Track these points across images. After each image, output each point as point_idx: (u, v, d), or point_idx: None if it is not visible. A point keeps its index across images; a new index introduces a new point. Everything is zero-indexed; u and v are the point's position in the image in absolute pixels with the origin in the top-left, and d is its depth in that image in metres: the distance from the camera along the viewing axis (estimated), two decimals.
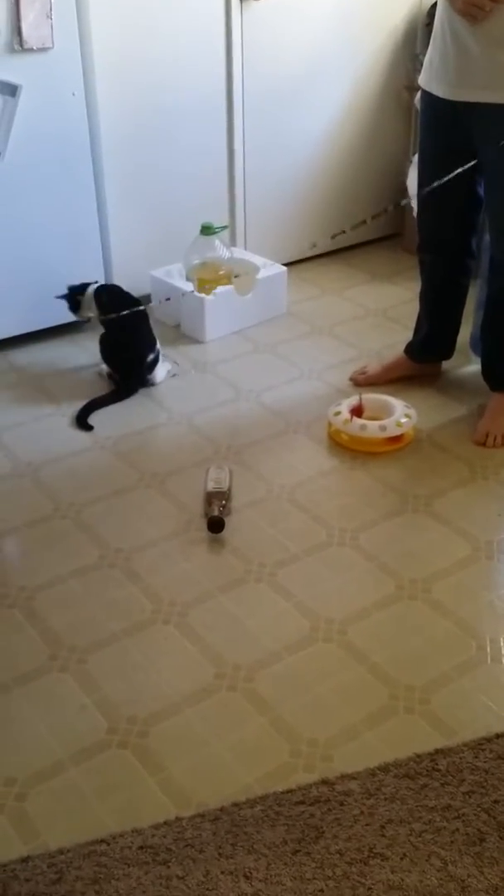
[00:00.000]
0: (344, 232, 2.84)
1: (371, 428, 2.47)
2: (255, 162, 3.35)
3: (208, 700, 1.75)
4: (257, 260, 3.25)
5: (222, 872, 1.44)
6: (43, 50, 2.68)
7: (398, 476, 2.39)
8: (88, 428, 2.62)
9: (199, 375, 2.90)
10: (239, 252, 3.32)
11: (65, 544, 2.17)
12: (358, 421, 2.49)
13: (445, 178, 2.28)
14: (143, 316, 2.82)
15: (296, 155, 3.46)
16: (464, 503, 2.28)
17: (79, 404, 2.71)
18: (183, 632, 1.91)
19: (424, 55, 2.37)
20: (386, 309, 3.30)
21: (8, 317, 2.92)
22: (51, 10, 2.63)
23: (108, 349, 2.81)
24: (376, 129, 3.62)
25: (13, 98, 2.67)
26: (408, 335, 2.83)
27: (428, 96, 2.35)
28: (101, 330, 2.84)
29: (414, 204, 2.68)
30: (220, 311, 3.07)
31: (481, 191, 2.44)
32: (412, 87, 3.42)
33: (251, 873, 1.44)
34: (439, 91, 2.29)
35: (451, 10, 2.14)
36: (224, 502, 2.23)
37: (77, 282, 2.89)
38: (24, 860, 1.47)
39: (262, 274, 3.16)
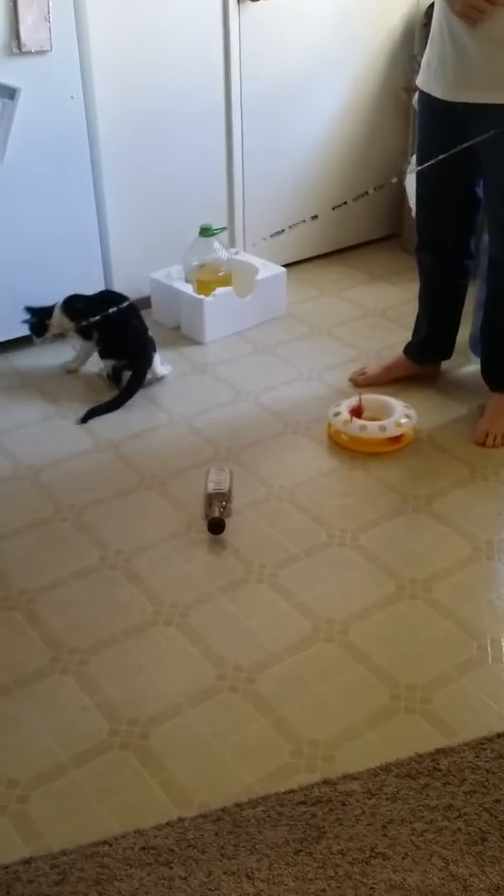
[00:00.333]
0: (346, 203, 2.84)
1: (371, 428, 2.47)
2: (254, 163, 3.36)
3: (210, 701, 1.75)
4: (256, 261, 3.25)
5: (224, 873, 1.45)
6: (41, 53, 2.68)
7: (398, 476, 2.39)
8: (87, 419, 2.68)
9: (198, 377, 2.90)
10: (238, 253, 3.33)
11: (65, 546, 2.17)
12: (358, 421, 2.49)
13: (430, 162, 2.27)
14: (132, 308, 2.81)
15: (294, 156, 3.46)
16: (464, 503, 2.28)
17: (79, 407, 2.72)
18: (184, 633, 1.91)
19: (422, 56, 2.38)
20: (385, 309, 3.30)
21: (9, 320, 2.92)
22: (49, 12, 2.63)
23: (110, 346, 2.80)
24: (374, 130, 3.62)
25: (12, 101, 2.67)
26: (407, 336, 2.83)
27: (426, 97, 2.36)
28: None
29: (412, 205, 2.68)
30: (220, 313, 3.07)
31: (479, 192, 2.45)
32: (410, 88, 3.42)
33: (253, 874, 1.44)
34: (438, 92, 2.29)
35: (450, 10, 2.14)
36: (224, 503, 2.23)
37: (76, 285, 2.90)
38: (27, 861, 1.47)
39: (261, 275, 3.17)
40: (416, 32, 3.51)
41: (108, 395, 2.77)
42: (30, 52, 2.66)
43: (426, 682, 1.78)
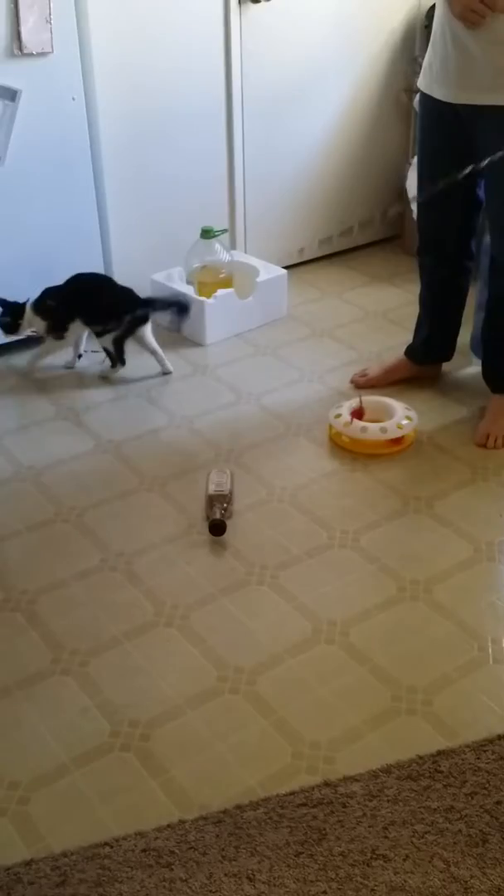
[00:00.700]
0: (352, 228, 2.84)
1: (372, 430, 2.47)
2: (255, 165, 3.36)
3: (210, 703, 1.75)
4: (257, 263, 3.25)
5: (225, 875, 1.44)
6: (42, 55, 2.68)
7: (399, 478, 2.39)
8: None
9: (199, 379, 2.91)
10: (239, 255, 3.33)
11: (66, 548, 2.17)
12: (359, 423, 2.49)
13: (444, 183, 2.29)
14: (103, 277, 2.84)
15: (295, 158, 3.46)
16: (465, 505, 2.28)
17: (80, 408, 2.72)
18: (185, 634, 1.91)
19: (423, 57, 2.38)
20: (386, 311, 3.30)
21: None
22: (50, 14, 2.64)
23: (95, 315, 2.83)
24: (375, 132, 3.62)
25: (13, 103, 2.68)
26: (408, 337, 2.83)
27: (428, 99, 2.36)
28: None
29: (414, 206, 2.68)
30: (221, 315, 3.07)
31: (481, 193, 2.45)
32: (411, 90, 3.43)
33: (254, 875, 1.44)
34: (440, 94, 2.29)
35: (451, 13, 2.15)
36: (226, 505, 2.23)
37: None
38: (28, 863, 1.47)
39: (261, 277, 3.17)
40: (417, 34, 3.51)
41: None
42: (31, 54, 2.66)
43: (427, 684, 1.78)
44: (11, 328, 2.85)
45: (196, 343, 3.10)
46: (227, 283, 3.10)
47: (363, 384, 2.80)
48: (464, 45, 2.17)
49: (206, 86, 3.13)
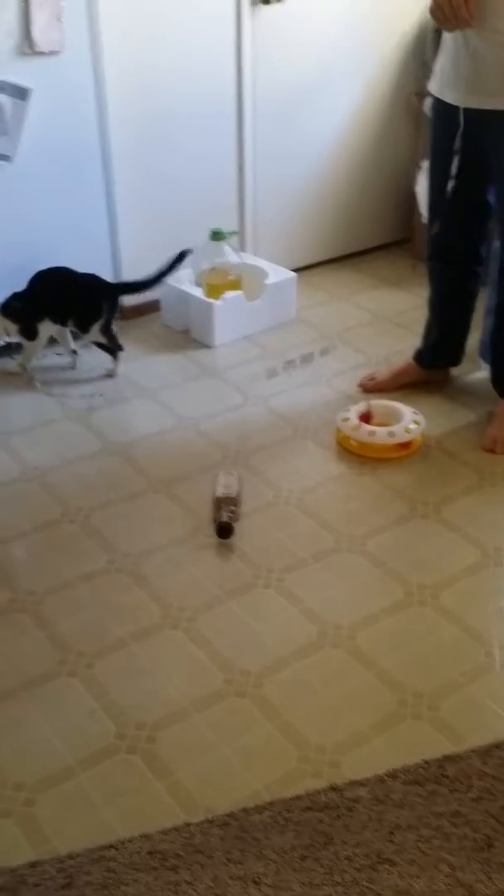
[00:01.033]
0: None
1: (380, 434, 2.47)
2: (265, 167, 3.36)
3: (216, 706, 1.75)
4: (266, 265, 3.25)
5: (231, 878, 1.44)
6: (53, 53, 2.69)
7: (407, 482, 2.39)
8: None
9: (207, 381, 2.91)
10: (248, 257, 3.33)
11: (73, 549, 2.17)
12: (367, 427, 2.49)
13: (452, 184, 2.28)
14: (64, 269, 2.84)
15: (305, 160, 3.46)
16: (472, 510, 2.28)
17: (87, 408, 2.73)
18: (191, 637, 1.91)
19: (434, 61, 2.38)
20: (394, 315, 3.30)
21: None
22: (61, 13, 2.64)
23: (75, 309, 2.84)
24: (386, 135, 3.62)
25: (23, 101, 2.68)
26: (416, 341, 2.83)
27: (439, 103, 2.36)
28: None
29: (423, 210, 2.68)
30: (229, 317, 3.07)
31: (491, 198, 2.44)
32: (421, 93, 3.42)
33: (260, 879, 1.44)
34: (451, 98, 2.29)
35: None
36: (233, 508, 2.23)
37: None
38: (33, 865, 1.47)
39: (270, 279, 3.17)
40: (428, 38, 3.50)
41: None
42: (42, 53, 2.66)
43: (433, 689, 1.77)
44: None
45: (204, 345, 3.10)
46: (235, 285, 3.10)
47: (371, 388, 2.79)
48: (474, 49, 2.17)
49: (216, 87, 3.13)
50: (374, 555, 2.13)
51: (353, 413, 2.54)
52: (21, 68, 2.65)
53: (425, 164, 2.71)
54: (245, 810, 1.55)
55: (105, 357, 2.93)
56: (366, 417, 2.54)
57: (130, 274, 3.17)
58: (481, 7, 2.08)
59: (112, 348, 2.90)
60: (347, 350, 3.07)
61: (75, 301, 2.84)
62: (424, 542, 2.18)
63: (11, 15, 2.57)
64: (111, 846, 1.50)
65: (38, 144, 2.77)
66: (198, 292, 3.10)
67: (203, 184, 3.23)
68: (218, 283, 3.09)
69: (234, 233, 3.18)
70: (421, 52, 3.54)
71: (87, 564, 2.12)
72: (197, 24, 3.00)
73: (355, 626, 1.92)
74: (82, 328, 2.85)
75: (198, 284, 3.13)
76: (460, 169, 2.36)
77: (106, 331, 2.87)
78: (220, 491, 2.29)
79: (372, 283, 3.57)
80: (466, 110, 2.26)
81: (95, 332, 2.86)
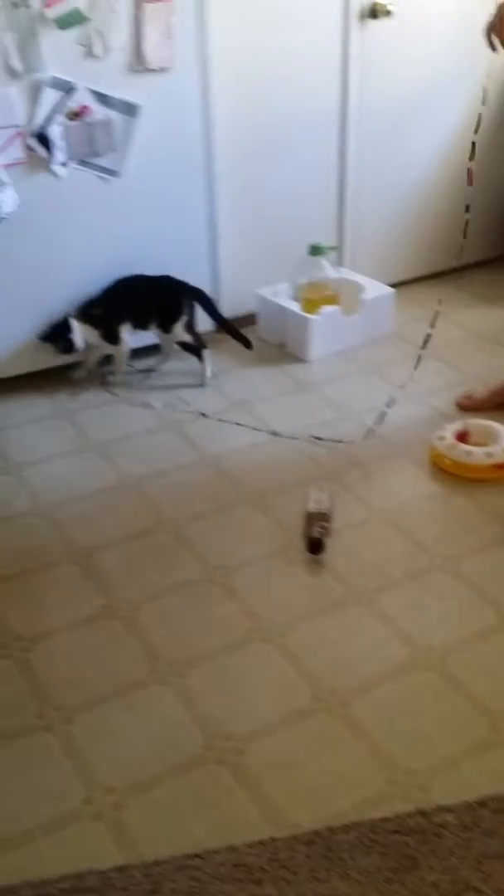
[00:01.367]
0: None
1: (477, 454, 2.43)
2: (366, 182, 3.36)
3: (305, 722, 1.75)
4: (364, 280, 3.24)
5: None
6: (163, 70, 2.74)
7: (503, 505, 2.35)
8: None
9: (302, 395, 2.91)
10: (346, 272, 3.33)
11: (166, 558, 2.20)
12: (463, 446, 2.46)
13: None
14: (138, 277, 2.89)
15: (407, 177, 3.45)
16: None
17: (182, 419, 2.76)
18: (281, 652, 1.91)
19: None
20: (492, 333, 3.25)
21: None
22: (172, 31, 2.69)
23: (156, 312, 2.89)
24: (492, 153, 3.57)
25: (132, 118, 2.74)
26: None
27: None
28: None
29: None
30: (326, 331, 3.08)
31: None
32: None
33: None
34: None
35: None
36: (325, 523, 2.23)
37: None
38: (121, 868, 1.49)
39: (368, 295, 3.16)
40: None
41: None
42: (152, 70, 2.72)
43: None
44: (68, 345, 2.84)
45: (299, 359, 3.11)
46: (332, 299, 3.11)
47: (468, 406, 2.76)
48: None
49: (321, 102, 3.14)
50: (468, 577, 2.10)
51: (449, 431, 2.51)
52: (131, 85, 2.71)
53: None
54: (331, 829, 1.54)
55: (196, 368, 2.98)
56: (462, 436, 2.51)
57: (228, 287, 3.21)
58: None
59: (197, 347, 2.94)
60: (444, 367, 3.03)
61: (155, 301, 2.90)
62: None
63: (124, 33, 2.63)
64: (197, 855, 1.51)
65: (143, 158, 2.83)
66: (295, 306, 3.11)
67: (303, 198, 3.25)
68: (315, 297, 3.10)
69: (332, 248, 3.18)
70: None
71: (180, 574, 2.15)
72: (304, 40, 3.01)
73: (447, 649, 1.89)
74: (165, 328, 2.90)
75: (295, 299, 3.15)
76: None
77: (190, 328, 2.92)
78: (312, 506, 2.29)
79: (470, 299, 3.52)
80: None
81: (179, 331, 2.90)
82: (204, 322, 3.01)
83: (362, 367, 3.05)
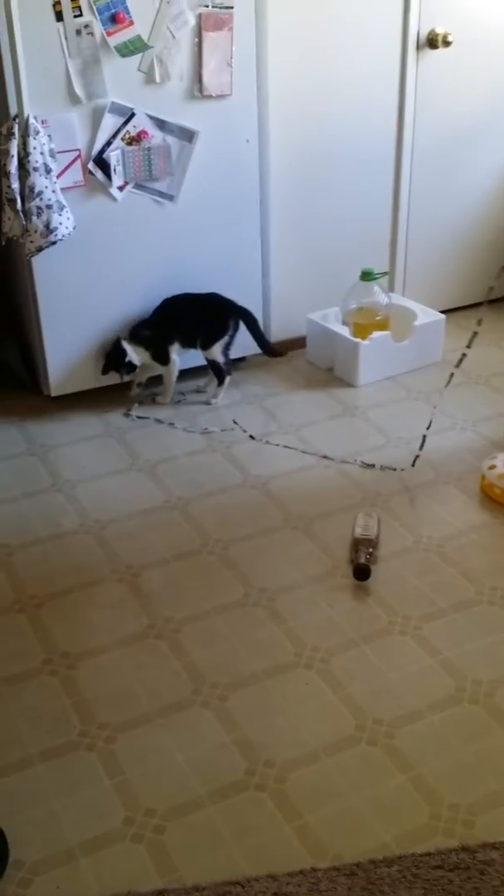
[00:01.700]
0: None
1: None
2: (419, 209, 3.36)
3: (347, 751, 1.73)
4: (415, 307, 3.24)
5: None
6: (221, 97, 2.77)
7: None
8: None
9: (349, 419, 2.90)
10: (397, 298, 3.32)
11: (210, 580, 2.21)
12: None
13: None
14: (187, 296, 2.93)
15: (461, 205, 3.44)
16: None
17: (229, 441, 2.77)
18: (324, 679, 1.90)
19: None
20: None
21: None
22: (231, 58, 2.72)
23: (199, 329, 2.93)
24: None
25: (190, 144, 2.78)
26: None
27: None
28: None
29: None
30: (375, 357, 3.07)
31: None
32: None
33: None
34: None
35: None
36: (371, 550, 2.21)
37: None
38: (160, 893, 1.49)
39: (419, 321, 3.15)
40: None
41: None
42: (210, 97, 2.75)
43: None
44: (129, 368, 2.90)
45: (348, 384, 3.10)
46: (383, 325, 3.10)
47: None
48: None
49: (377, 130, 3.16)
50: None
51: (500, 461, 2.49)
52: (189, 111, 2.75)
53: None
54: (373, 861, 1.53)
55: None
56: None
57: (279, 310, 3.23)
58: None
59: (224, 371, 2.97)
60: (495, 395, 3.01)
61: (204, 318, 2.93)
62: None
63: (184, 60, 2.67)
64: (237, 882, 1.50)
65: (199, 183, 2.86)
66: (344, 331, 3.11)
67: (356, 224, 3.25)
68: (365, 322, 3.10)
69: (384, 273, 3.18)
70: None
71: (224, 596, 2.15)
72: (362, 69, 3.03)
73: (495, 683, 1.86)
74: (206, 345, 2.92)
75: (345, 323, 3.15)
76: None
77: (226, 350, 2.94)
78: (359, 532, 2.28)
79: None
80: None
81: (217, 350, 2.93)
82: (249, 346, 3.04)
83: (411, 393, 3.04)
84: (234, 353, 3.02)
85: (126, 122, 2.67)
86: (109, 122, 2.66)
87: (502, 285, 3.69)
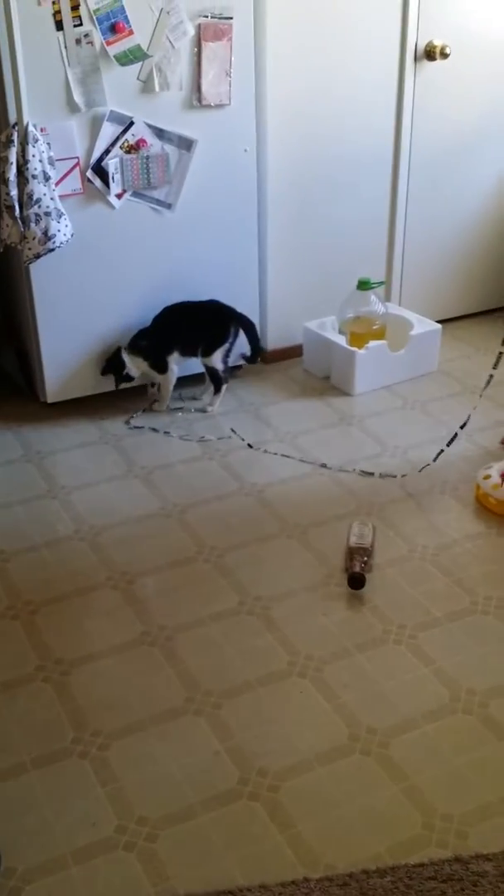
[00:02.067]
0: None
1: None
2: (416, 220, 3.37)
3: (341, 761, 1.73)
4: (411, 316, 3.24)
5: None
6: (220, 106, 2.78)
7: None
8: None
9: (345, 428, 2.91)
10: (393, 307, 3.33)
11: (205, 588, 2.20)
12: None
13: None
14: (187, 304, 2.93)
15: (457, 215, 3.45)
16: None
17: (225, 449, 2.77)
18: (318, 687, 1.90)
19: None
20: None
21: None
22: (231, 68, 2.73)
23: (202, 337, 2.92)
24: None
25: (188, 153, 2.79)
26: None
27: None
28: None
29: None
30: (371, 366, 3.08)
31: None
32: None
33: None
34: None
35: None
36: (366, 559, 2.22)
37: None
38: None
39: (415, 330, 3.16)
40: None
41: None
42: (209, 106, 2.76)
43: None
44: (127, 377, 2.93)
45: (344, 392, 3.11)
46: (379, 334, 3.11)
47: None
48: None
49: (374, 141, 3.17)
50: None
51: (495, 471, 2.49)
52: (188, 120, 2.76)
53: None
54: (366, 872, 1.52)
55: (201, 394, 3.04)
56: None
57: (275, 319, 3.24)
58: None
59: (222, 378, 2.97)
60: (490, 405, 3.01)
61: (204, 326, 2.93)
62: None
63: (184, 69, 2.68)
64: (230, 892, 1.50)
65: (197, 191, 2.86)
66: (341, 340, 3.12)
67: (353, 234, 3.26)
68: (362, 331, 3.11)
69: (380, 283, 3.19)
70: None
71: (218, 604, 2.14)
72: (360, 79, 3.05)
73: (489, 693, 1.87)
74: (206, 352, 2.92)
75: (341, 332, 3.16)
76: None
77: (226, 357, 2.95)
78: (354, 541, 2.28)
79: None
80: None
81: (218, 357, 2.93)
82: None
83: (407, 402, 3.05)
84: (231, 362, 3.02)
85: (125, 131, 2.68)
86: (108, 131, 2.66)
87: (499, 296, 3.72)
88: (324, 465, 2.68)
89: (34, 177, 2.54)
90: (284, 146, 3.01)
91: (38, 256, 2.64)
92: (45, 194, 2.58)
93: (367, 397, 3.08)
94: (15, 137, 2.52)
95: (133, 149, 2.72)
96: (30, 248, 2.61)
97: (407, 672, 1.93)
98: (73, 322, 2.87)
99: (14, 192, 2.55)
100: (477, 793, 1.66)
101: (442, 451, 2.64)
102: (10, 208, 2.57)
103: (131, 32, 2.57)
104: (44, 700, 1.87)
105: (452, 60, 3.14)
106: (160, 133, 2.74)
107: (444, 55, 3.10)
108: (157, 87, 2.67)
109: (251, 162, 2.93)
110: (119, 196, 2.76)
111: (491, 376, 2.62)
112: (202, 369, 3.00)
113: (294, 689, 1.90)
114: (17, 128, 2.52)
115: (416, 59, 3.10)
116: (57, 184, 2.63)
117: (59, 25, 2.49)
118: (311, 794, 1.66)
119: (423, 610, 2.10)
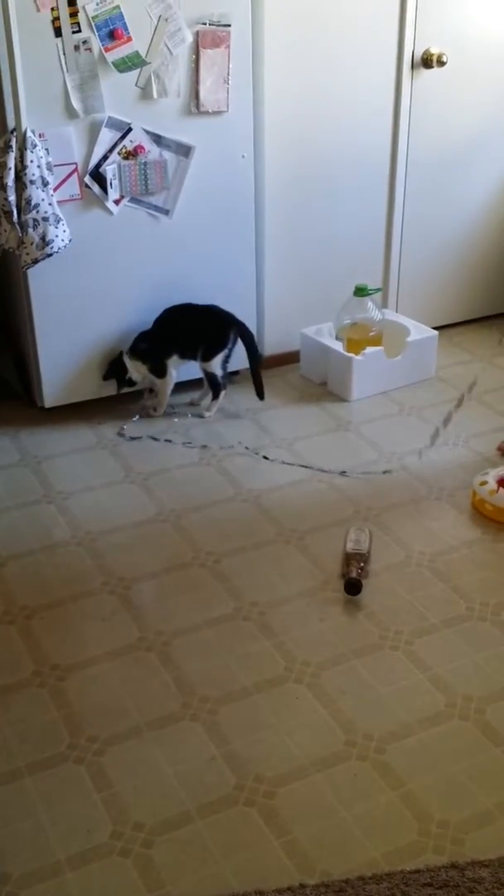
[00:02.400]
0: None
1: None
2: (413, 227, 3.38)
3: (337, 767, 1.72)
4: (408, 323, 3.25)
5: None
6: (218, 113, 2.79)
7: None
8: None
9: (342, 434, 2.91)
10: (390, 314, 3.34)
11: (201, 593, 2.20)
12: None
13: None
14: (189, 305, 2.92)
15: (454, 222, 3.46)
16: None
17: (222, 455, 2.77)
18: (314, 693, 1.90)
19: None
20: None
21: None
22: (229, 75, 2.74)
23: (201, 340, 2.92)
24: None
25: (186, 159, 2.79)
26: None
27: None
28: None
29: None
30: (368, 372, 3.08)
31: None
32: None
33: None
34: None
35: None
36: (363, 564, 2.22)
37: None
38: None
39: (412, 337, 3.16)
40: None
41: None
42: (207, 113, 2.77)
43: None
44: (129, 383, 2.95)
45: (341, 398, 3.11)
46: (376, 341, 3.11)
47: None
48: None
49: (372, 148, 3.18)
50: None
51: (492, 477, 2.49)
52: (186, 126, 2.76)
53: None
54: (362, 878, 1.52)
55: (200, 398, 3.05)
56: None
57: (272, 325, 3.24)
58: None
59: (220, 384, 2.97)
60: (487, 412, 3.02)
61: (204, 331, 2.93)
62: None
63: (182, 76, 2.69)
64: None
65: (194, 198, 2.87)
66: (338, 346, 3.12)
67: (350, 240, 3.27)
68: (359, 338, 3.11)
69: (377, 289, 3.20)
70: None
71: (215, 610, 2.14)
72: (357, 88, 3.06)
73: (485, 700, 1.86)
74: (206, 357, 2.92)
75: (338, 339, 3.16)
76: None
77: (225, 362, 2.95)
78: (351, 546, 2.28)
79: None
80: None
81: (217, 362, 2.93)
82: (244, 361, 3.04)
83: (404, 408, 3.05)
84: (229, 367, 3.02)
85: (123, 137, 2.69)
86: (106, 137, 2.67)
87: (496, 303, 3.73)
88: (322, 471, 2.68)
89: (32, 182, 2.55)
90: (282, 153, 3.02)
91: (35, 262, 2.64)
92: (43, 200, 2.58)
93: (363, 403, 3.09)
94: (13, 143, 2.53)
95: (131, 155, 2.72)
96: (28, 254, 2.62)
97: (403, 678, 1.93)
98: (71, 327, 2.87)
99: (12, 198, 2.55)
100: (473, 799, 1.65)
101: (422, 449, 2.65)
102: (9, 213, 2.58)
103: (130, 39, 2.58)
104: (39, 705, 1.87)
105: (449, 68, 3.15)
106: (158, 139, 2.74)
107: (441, 63, 3.11)
108: (155, 94, 2.68)
109: (249, 169, 2.94)
110: (117, 202, 2.77)
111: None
112: (200, 374, 3.00)
113: (290, 694, 1.89)
114: (15, 133, 2.53)
115: (413, 66, 3.12)
116: (55, 189, 2.64)
117: (58, 32, 2.50)
118: (307, 800, 1.66)
119: (420, 616, 2.10)
